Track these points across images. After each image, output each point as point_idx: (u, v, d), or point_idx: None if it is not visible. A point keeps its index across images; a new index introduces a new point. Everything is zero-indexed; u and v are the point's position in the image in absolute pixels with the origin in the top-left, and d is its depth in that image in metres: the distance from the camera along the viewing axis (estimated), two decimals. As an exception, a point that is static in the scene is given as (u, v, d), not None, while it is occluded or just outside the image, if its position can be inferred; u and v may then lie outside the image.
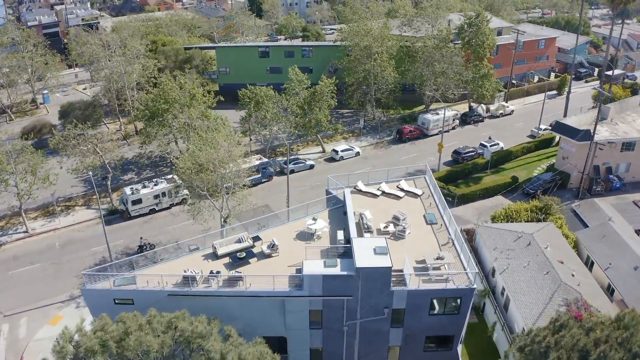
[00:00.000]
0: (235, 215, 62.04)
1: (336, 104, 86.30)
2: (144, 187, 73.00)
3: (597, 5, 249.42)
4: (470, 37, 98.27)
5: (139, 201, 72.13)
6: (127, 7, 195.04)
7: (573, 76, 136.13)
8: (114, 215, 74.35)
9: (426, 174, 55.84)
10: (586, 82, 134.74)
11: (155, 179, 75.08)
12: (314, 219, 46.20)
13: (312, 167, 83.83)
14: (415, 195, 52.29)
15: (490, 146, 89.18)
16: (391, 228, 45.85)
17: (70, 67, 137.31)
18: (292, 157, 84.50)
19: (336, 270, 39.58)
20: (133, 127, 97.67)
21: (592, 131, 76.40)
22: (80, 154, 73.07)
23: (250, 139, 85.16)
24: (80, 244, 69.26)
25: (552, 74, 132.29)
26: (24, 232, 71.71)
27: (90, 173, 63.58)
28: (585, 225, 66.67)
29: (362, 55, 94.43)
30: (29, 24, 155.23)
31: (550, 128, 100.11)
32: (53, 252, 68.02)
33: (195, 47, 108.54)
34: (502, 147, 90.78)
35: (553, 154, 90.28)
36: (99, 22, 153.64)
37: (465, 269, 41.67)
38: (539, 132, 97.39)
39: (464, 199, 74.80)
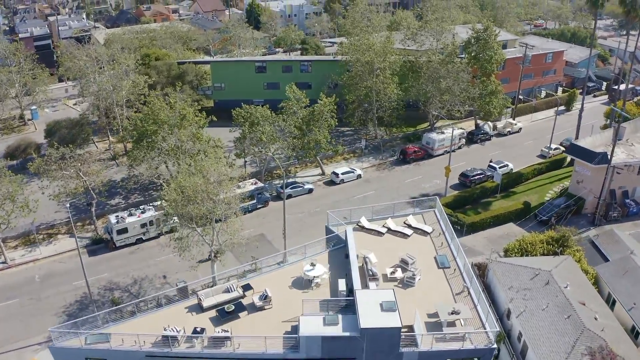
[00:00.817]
0: (228, 247, 56.97)
1: (336, 124, 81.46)
2: (130, 215, 68.05)
3: (600, 15, 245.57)
4: (477, 51, 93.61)
5: (124, 230, 67.18)
6: (122, 19, 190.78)
7: (581, 91, 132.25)
8: (99, 245, 69.38)
9: (436, 208, 50.83)
10: (594, 96, 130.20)
11: (143, 206, 70.07)
12: (312, 264, 41.25)
13: (310, 191, 78.89)
14: (424, 233, 47.42)
15: (500, 168, 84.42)
16: (399, 274, 40.98)
17: (61, 80, 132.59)
18: (290, 180, 79.57)
19: (337, 330, 34.60)
20: (123, 147, 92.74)
21: (609, 154, 71.69)
22: (62, 178, 68.13)
23: (245, 161, 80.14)
24: (61, 277, 64.22)
25: (560, 89, 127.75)
26: (2, 262, 66.74)
27: (74, 198, 58.57)
28: (605, 259, 61.71)
29: (363, 71, 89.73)
30: (20, 35, 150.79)
31: (561, 147, 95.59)
32: (32, 287, 62.96)
33: (189, 62, 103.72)
34: (512, 169, 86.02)
35: (565, 176, 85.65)
36: (91, 34, 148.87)
37: (484, 325, 36.66)
38: (550, 151, 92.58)
39: (474, 227, 69.85)
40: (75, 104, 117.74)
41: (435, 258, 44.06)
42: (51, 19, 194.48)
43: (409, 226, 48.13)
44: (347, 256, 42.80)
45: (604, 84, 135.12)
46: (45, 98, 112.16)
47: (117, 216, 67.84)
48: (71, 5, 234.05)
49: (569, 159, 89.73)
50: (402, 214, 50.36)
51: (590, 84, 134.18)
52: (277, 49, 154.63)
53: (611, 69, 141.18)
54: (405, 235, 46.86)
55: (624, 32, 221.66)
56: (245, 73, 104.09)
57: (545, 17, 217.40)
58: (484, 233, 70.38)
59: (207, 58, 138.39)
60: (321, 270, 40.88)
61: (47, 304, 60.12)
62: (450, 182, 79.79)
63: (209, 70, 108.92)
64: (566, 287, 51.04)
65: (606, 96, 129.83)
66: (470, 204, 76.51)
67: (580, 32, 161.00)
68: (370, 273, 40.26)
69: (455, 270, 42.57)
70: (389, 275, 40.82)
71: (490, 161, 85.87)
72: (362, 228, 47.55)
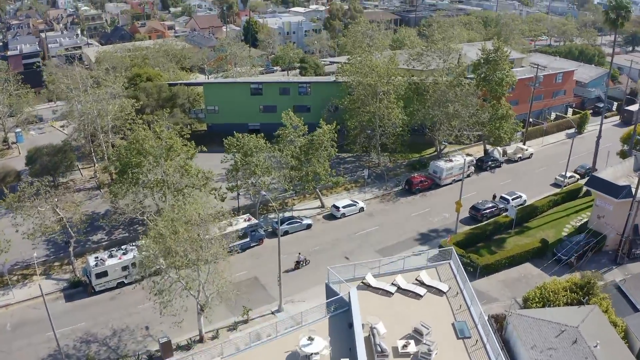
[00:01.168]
0: (216, 300, 50.84)
1: (337, 153, 75.41)
2: (111, 256, 61.80)
3: (603, 31, 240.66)
4: (487, 73, 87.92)
5: (104, 274, 60.92)
6: (116, 35, 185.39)
7: (591, 111, 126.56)
8: (77, 289, 63.09)
9: (451, 260, 44.74)
10: (605, 117, 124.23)
11: (125, 246, 63.85)
12: (310, 338, 35.03)
13: (309, 226, 72.70)
14: (439, 292, 41.31)
15: (513, 199, 78.64)
16: (412, 347, 34.87)
17: (50, 100, 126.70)
18: (286, 215, 73.51)
19: None
20: (109, 175, 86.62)
21: (633, 187, 65.87)
22: (37, 215, 62.00)
23: (238, 194, 73.99)
24: (35, 325, 57.74)
25: (570, 110, 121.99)
26: (-30, 308, 60.56)
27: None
28: (635, 309, 55.81)
29: (366, 94, 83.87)
30: (9, 53, 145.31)
31: (576, 175, 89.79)
32: (3, 336, 56.60)
33: (180, 84, 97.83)
34: (525, 200, 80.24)
35: (582, 208, 79.90)
36: (82, 52, 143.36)
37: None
38: (564, 180, 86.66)
39: (488, 269, 63.65)
40: (62, 126, 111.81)
41: (453, 325, 37.95)
42: (42, 35, 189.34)
43: (422, 283, 42.06)
44: (350, 325, 36.67)
45: (615, 104, 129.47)
46: (31, 120, 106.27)
47: (97, 258, 61.71)
48: (65, 21, 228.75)
49: (585, 188, 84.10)
50: (413, 268, 44.08)
51: (601, 105, 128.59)
52: (274, 68, 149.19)
53: (622, 88, 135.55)
54: (417, 296, 40.78)
55: (630, 49, 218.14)
56: (240, 95, 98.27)
57: (550, 34, 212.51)
58: (499, 275, 64.20)
59: (201, 78, 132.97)
60: (320, 345, 34.73)
61: (18, 356, 53.91)
62: (460, 215, 73.67)
63: (202, 92, 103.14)
64: (596, 346, 45.17)
65: (617, 117, 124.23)
66: (482, 241, 70.42)
67: (589, 50, 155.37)
68: (379, 349, 34.13)
69: (477, 341, 36.36)
70: (400, 350, 34.74)
71: (494, 197, 79.83)
72: (368, 286, 41.42)
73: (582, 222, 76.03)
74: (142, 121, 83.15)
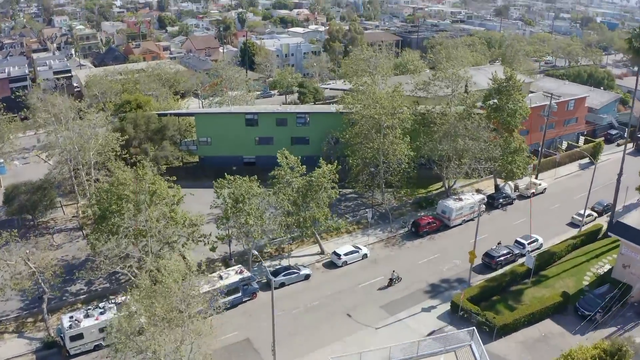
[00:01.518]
0: None
1: (337, 195, 69.14)
2: (87, 316, 55.40)
3: (607, 50, 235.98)
4: (498, 104, 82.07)
5: (79, 336, 54.52)
6: (110, 56, 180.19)
7: (603, 138, 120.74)
8: (51, 350, 56.51)
9: (472, 341, 38.48)
10: (618, 145, 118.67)
11: (103, 304, 57.42)
12: None
13: (307, 277, 66.17)
14: (460, 386, 35.01)
15: (529, 244, 72.58)
16: None
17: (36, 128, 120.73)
18: (282, 265, 67.10)
19: None
20: (91, 214, 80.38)
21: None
22: (7, 268, 55.74)
23: (230, 240, 67.60)
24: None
25: (582, 138, 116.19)
26: None
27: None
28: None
29: (369, 129, 77.94)
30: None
31: (594, 213, 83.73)
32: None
33: (170, 114, 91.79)
34: (542, 244, 74.20)
35: (603, 252, 73.83)
36: (71, 76, 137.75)
37: None
38: (582, 219, 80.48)
39: (506, 329, 57.24)
40: (48, 156, 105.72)
41: None
42: (34, 56, 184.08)
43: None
44: None
45: (626, 130, 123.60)
46: (13, 150, 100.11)
47: (71, 318, 55.25)
48: (59, 41, 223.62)
49: (604, 228, 78.21)
50: (428, 353, 37.81)
51: (614, 132, 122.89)
52: (272, 92, 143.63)
53: (635, 114, 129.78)
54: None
55: (637, 69, 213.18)
56: (233, 126, 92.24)
57: (555, 54, 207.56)
58: (517, 335, 57.71)
59: (195, 103, 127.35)
60: None
61: None
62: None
63: (194, 121, 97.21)
64: None
65: (631, 145, 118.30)
66: (498, 293, 64.10)
67: (598, 73, 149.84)
68: None
69: None
70: None
71: (499, 243, 73.57)
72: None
73: (604, 268, 70.06)
74: (127, 157, 77.77)
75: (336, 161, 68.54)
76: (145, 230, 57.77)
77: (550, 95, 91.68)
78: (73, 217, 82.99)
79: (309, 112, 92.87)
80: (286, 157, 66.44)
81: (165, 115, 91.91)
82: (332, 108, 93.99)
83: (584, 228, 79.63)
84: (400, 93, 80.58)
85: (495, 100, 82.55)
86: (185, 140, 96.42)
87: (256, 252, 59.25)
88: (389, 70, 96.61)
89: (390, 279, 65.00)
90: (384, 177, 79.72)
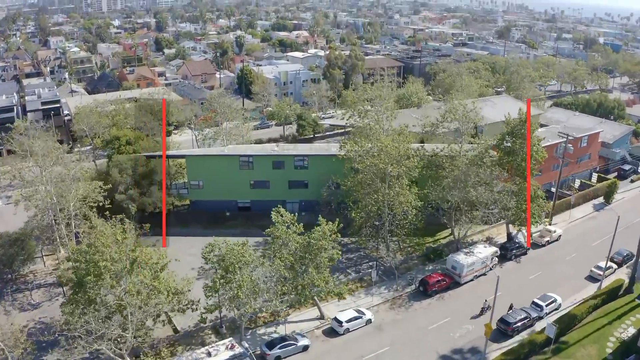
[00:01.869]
0: None
1: (340, 257, 62.65)
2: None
3: (612, 73, 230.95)
4: (512, 147, 76.22)
5: None
6: (103, 83, 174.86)
7: (615, 174, 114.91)
8: None
9: None
10: (632, 181, 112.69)
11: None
12: None
13: (306, 348, 59.48)
14: None
15: (547, 305, 66.40)
16: None
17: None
18: (279, 335, 60.59)
19: None
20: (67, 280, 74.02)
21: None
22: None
23: (221, 312, 61.14)
24: None
25: (595, 175, 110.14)
26: None
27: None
28: None
29: (372, 177, 71.89)
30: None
31: (614, 265, 77.55)
32: None
33: (159, 157, 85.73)
34: (560, 304, 67.95)
35: (625, 311, 67.92)
36: (60, 106, 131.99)
37: None
38: (602, 272, 74.24)
39: (529, 418, 51.04)
40: (25, 207, 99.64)
41: None
42: (25, 82, 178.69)
43: None
44: None
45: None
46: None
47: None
48: (53, 65, 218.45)
49: (625, 282, 72.15)
50: None
51: (627, 168, 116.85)
52: (270, 122, 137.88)
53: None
54: None
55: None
56: (227, 169, 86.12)
57: (561, 80, 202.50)
58: (542, 423, 51.55)
59: (186, 140, 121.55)
60: None
61: None
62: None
63: (184, 162, 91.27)
64: None
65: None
66: (517, 367, 57.85)
67: (608, 103, 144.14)
68: None
69: None
70: None
71: (510, 307, 67.11)
72: None
73: (628, 332, 64.09)
74: (111, 206, 71.70)
75: (337, 219, 61.83)
76: (124, 304, 51.48)
77: (565, 136, 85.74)
78: (54, 269, 76.75)
79: (308, 155, 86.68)
80: (281, 215, 60.23)
81: (153, 157, 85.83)
82: (333, 149, 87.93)
83: (604, 283, 73.48)
84: (407, 137, 74.72)
85: (509, 143, 76.75)
86: (176, 182, 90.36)
87: (247, 349, 52.85)
88: (393, 110, 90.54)
89: (483, 308, 66.15)
90: (389, 229, 73.42)
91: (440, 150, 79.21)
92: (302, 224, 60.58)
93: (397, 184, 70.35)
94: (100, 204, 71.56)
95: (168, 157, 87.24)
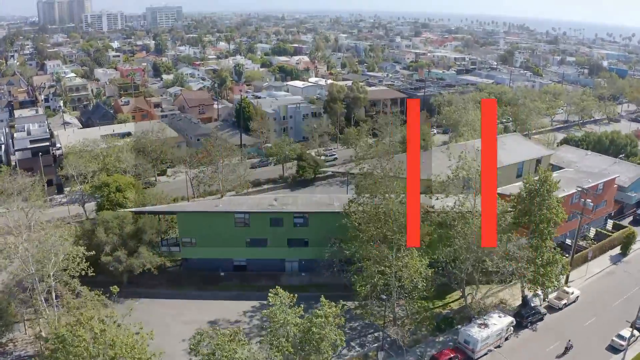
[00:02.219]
0: None
1: (344, 344, 56.65)
2: None
3: (619, 100, 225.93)
4: (530, 208, 70.60)
5: None
6: (97, 115, 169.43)
7: (631, 219, 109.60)
8: None
9: None
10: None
11: None
12: None
13: None
14: None
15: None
16: None
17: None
18: None
19: None
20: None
21: None
22: None
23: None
24: None
25: (610, 222, 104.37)
26: None
27: None
28: None
29: (379, 243, 66.11)
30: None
31: (636, 332, 71.44)
32: None
33: (148, 212, 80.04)
34: (584, 384, 62.24)
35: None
36: (49, 145, 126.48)
37: None
38: (623, 342, 68.20)
39: None
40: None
41: None
42: (17, 113, 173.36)
43: None
44: None
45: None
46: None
47: None
48: (47, 92, 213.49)
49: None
50: None
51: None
52: (269, 159, 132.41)
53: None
54: None
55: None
56: (221, 226, 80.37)
57: (568, 110, 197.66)
58: None
59: (180, 180, 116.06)
60: None
61: None
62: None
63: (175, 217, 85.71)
64: None
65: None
66: None
67: (620, 139, 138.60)
68: None
69: None
70: None
71: None
72: None
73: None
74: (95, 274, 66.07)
75: (340, 301, 55.82)
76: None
77: (584, 191, 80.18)
78: (36, 337, 70.71)
79: (309, 212, 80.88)
80: (280, 296, 54.41)
81: (142, 213, 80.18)
82: (336, 203, 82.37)
83: (628, 355, 67.49)
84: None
85: (527, 203, 71.16)
86: (167, 239, 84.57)
87: None
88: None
89: (566, 348, 66.58)
90: (397, 300, 67.49)
91: (451, 208, 73.42)
92: (302, 306, 54.73)
93: (406, 254, 64.52)
94: (83, 272, 65.85)
95: (158, 213, 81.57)
